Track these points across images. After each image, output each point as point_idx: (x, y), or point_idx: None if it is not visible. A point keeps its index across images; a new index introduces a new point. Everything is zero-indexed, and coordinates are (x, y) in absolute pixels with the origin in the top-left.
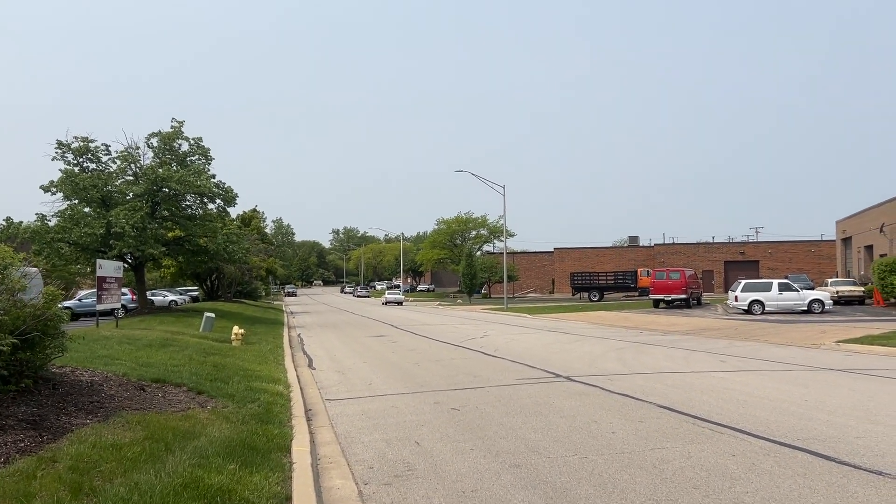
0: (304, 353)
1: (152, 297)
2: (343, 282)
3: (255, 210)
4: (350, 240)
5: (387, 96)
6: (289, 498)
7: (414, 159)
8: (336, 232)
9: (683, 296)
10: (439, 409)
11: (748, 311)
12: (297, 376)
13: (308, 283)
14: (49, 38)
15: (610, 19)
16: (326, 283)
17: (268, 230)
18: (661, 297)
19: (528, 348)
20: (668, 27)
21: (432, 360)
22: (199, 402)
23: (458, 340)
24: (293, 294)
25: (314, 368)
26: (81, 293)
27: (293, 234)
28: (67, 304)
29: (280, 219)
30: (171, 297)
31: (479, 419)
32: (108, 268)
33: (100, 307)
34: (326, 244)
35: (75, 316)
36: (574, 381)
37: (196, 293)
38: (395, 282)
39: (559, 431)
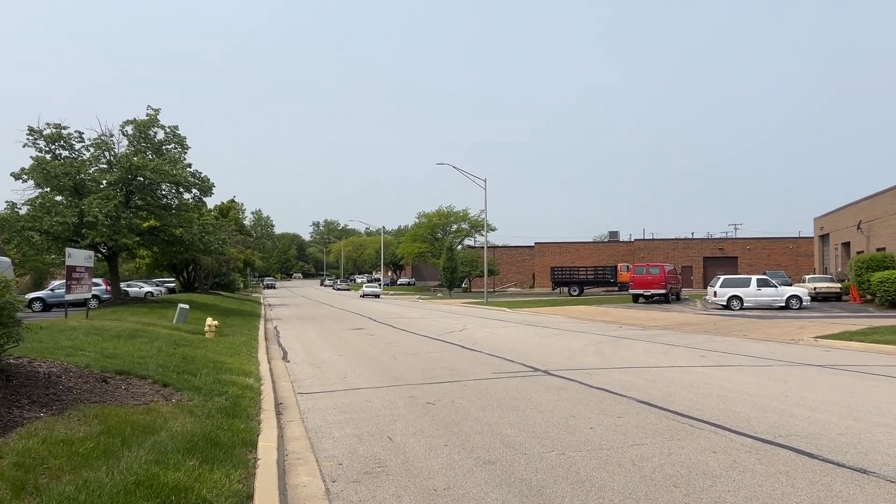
0: (280, 345)
1: (127, 289)
2: (323, 275)
3: (233, 201)
4: (331, 232)
5: (370, 90)
6: (250, 496)
7: (397, 153)
8: (316, 224)
9: (663, 291)
10: (414, 403)
11: (727, 307)
12: (270, 369)
13: (288, 275)
14: (20, 25)
15: (598, 18)
16: (306, 275)
17: (247, 222)
18: (640, 291)
19: (507, 342)
20: (652, 27)
21: (409, 353)
22: (163, 395)
23: (436, 334)
24: (272, 286)
25: (288, 361)
26: (54, 283)
27: (273, 225)
28: (39, 294)
29: (259, 210)
30: (147, 288)
31: (454, 414)
32: (78, 257)
33: (69, 297)
34: (307, 237)
35: (48, 306)
36: (552, 375)
37: (173, 284)
38: (375, 275)
39: (536, 427)
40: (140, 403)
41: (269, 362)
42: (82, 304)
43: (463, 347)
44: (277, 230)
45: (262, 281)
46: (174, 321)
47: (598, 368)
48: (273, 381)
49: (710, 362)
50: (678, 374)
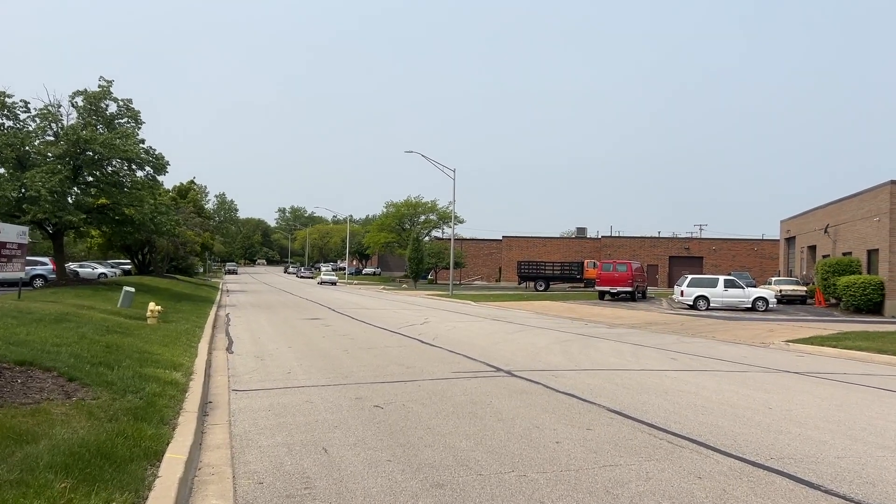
0: (227, 334)
1: (79, 269)
2: (287, 262)
3: (192, 182)
4: (297, 219)
5: (341, 76)
6: None
7: (366, 141)
8: (282, 211)
9: (629, 289)
10: (360, 406)
11: (693, 307)
12: (209, 361)
13: (252, 261)
14: None
15: (564, 13)
16: (271, 262)
17: (210, 205)
18: (607, 289)
19: (470, 337)
20: (623, 22)
21: (364, 347)
22: (65, 392)
23: (396, 326)
24: (234, 272)
25: (232, 352)
26: None
27: (237, 210)
28: None
29: (223, 194)
30: (102, 269)
31: (403, 420)
32: (10, 232)
33: None
34: (272, 223)
35: None
36: (515, 375)
37: (129, 267)
38: (340, 264)
39: (495, 439)
40: (29, 402)
41: (209, 353)
42: (28, 283)
43: (422, 342)
44: (242, 215)
45: (224, 266)
46: (118, 305)
47: (565, 370)
48: (208, 376)
49: (683, 366)
50: (650, 379)
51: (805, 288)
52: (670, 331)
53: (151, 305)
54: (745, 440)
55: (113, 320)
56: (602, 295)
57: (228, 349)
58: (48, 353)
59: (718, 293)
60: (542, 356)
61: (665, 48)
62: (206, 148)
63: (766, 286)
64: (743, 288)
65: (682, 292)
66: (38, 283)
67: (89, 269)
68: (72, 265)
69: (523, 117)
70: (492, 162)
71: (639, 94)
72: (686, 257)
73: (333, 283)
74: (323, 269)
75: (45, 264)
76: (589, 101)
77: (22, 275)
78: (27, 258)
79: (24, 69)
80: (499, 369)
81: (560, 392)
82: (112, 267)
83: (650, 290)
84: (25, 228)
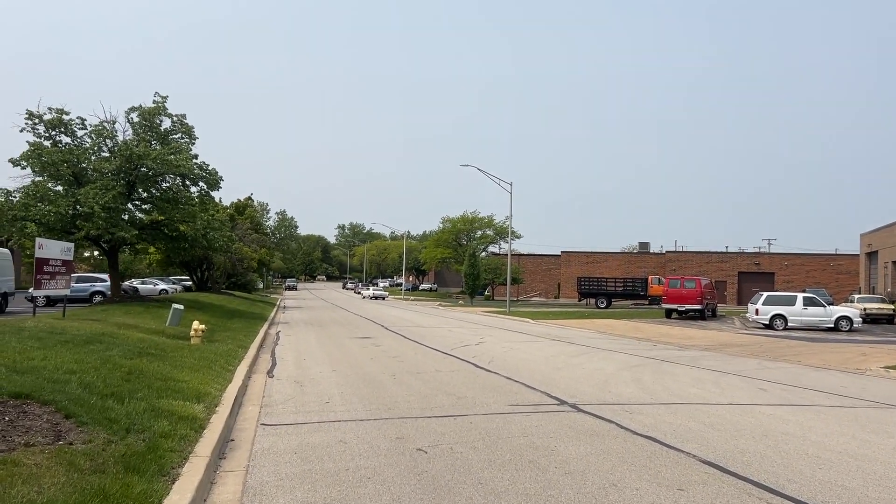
0: (272, 355)
1: (139, 285)
2: (346, 278)
3: (249, 199)
4: (356, 236)
5: (399, 93)
6: None
7: (424, 157)
8: (342, 227)
9: (698, 306)
10: (401, 448)
11: (769, 326)
12: (244, 388)
13: (312, 277)
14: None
15: (626, 18)
16: (330, 278)
17: (270, 222)
18: (674, 306)
19: (528, 361)
20: (681, 26)
21: (413, 371)
22: (56, 433)
23: (449, 347)
24: (293, 288)
25: (272, 376)
26: None
27: (296, 227)
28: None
29: (284, 211)
30: (163, 285)
31: (449, 471)
32: (53, 249)
33: (38, 293)
34: (332, 239)
35: (52, 301)
36: (582, 410)
37: (190, 283)
38: (397, 279)
39: (562, 502)
40: (1, 450)
41: (247, 378)
42: (88, 299)
43: (476, 367)
44: (303, 231)
45: (284, 282)
46: (167, 323)
47: (639, 403)
48: (238, 405)
49: (777, 399)
50: (743, 417)
51: (892, 306)
52: (749, 353)
53: (195, 324)
54: None
55: (150, 341)
56: (669, 313)
57: (269, 373)
58: (54, 383)
59: (797, 312)
60: (611, 385)
61: (731, 53)
62: (269, 166)
63: (848, 304)
64: (824, 306)
65: (756, 310)
66: (97, 299)
67: (150, 286)
68: (133, 282)
69: (584, 131)
70: (550, 175)
71: (700, 105)
72: (756, 273)
73: (383, 298)
74: (380, 284)
75: (104, 281)
76: (649, 112)
77: (67, 292)
78: (88, 275)
79: (85, 86)
80: (562, 402)
81: (638, 434)
82: (174, 283)
83: (720, 307)
84: (70, 245)
